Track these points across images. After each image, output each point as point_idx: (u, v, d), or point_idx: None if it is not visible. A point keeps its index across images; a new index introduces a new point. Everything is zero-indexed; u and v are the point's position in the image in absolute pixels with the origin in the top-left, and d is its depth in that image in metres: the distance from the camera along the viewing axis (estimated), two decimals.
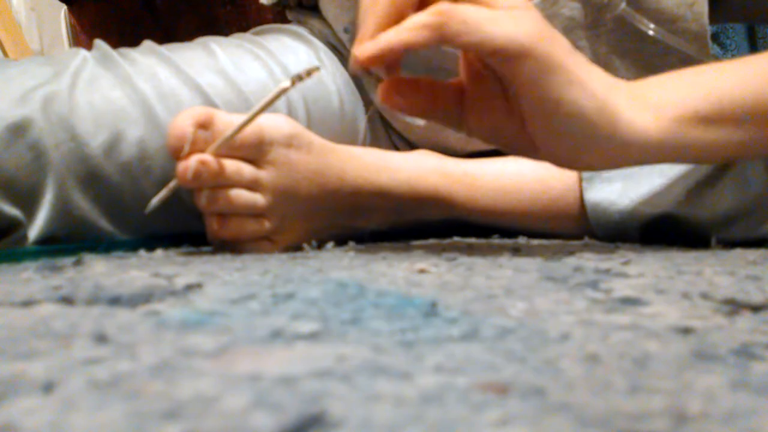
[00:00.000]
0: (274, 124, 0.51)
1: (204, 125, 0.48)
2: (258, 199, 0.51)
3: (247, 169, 0.50)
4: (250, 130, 0.49)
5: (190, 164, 0.47)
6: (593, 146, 0.43)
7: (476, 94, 0.45)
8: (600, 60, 0.60)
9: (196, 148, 0.48)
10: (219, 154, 0.48)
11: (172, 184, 0.49)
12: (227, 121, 0.49)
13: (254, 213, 0.51)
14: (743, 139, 0.46)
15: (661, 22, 0.58)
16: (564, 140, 0.43)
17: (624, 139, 0.43)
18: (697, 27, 0.57)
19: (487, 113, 0.45)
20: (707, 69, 0.47)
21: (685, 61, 0.58)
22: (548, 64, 0.41)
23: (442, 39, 0.40)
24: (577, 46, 0.60)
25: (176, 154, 0.48)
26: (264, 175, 0.51)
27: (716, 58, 0.58)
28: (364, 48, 0.41)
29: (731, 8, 0.61)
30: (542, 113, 0.42)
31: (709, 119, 0.45)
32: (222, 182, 0.49)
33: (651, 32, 0.57)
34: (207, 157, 0.48)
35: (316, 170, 0.53)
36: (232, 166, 0.49)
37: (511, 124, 0.44)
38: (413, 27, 0.40)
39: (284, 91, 0.47)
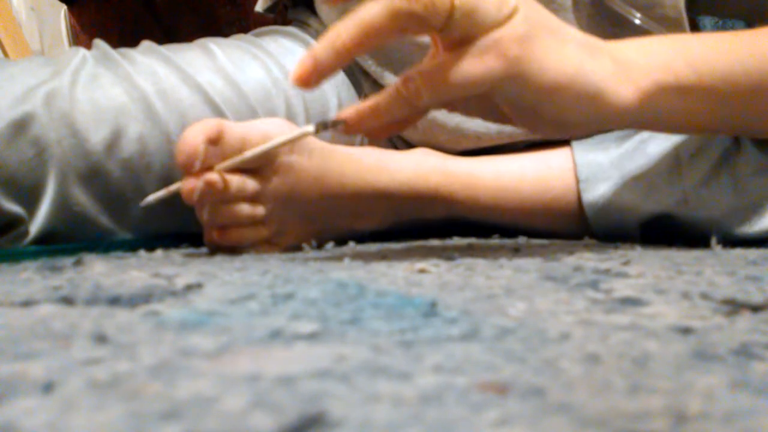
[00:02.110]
0: (280, 131, 0.51)
1: (214, 141, 0.48)
2: (258, 209, 0.51)
3: (250, 184, 0.50)
4: (258, 139, 0.49)
5: (197, 186, 0.47)
6: (578, 125, 0.45)
7: None
8: None
9: (206, 163, 0.47)
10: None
11: (173, 188, 0.48)
12: (237, 136, 0.49)
13: (254, 222, 0.51)
14: (716, 110, 0.48)
15: (639, 7, 0.58)
16: (549, 126, 0.45)
17: (606, 114, 0.44)
18: (674, 13, 0.57)
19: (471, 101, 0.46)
20: (686, 36, 0.49)
21: None
22: (521, 86, 0.41)
23: (416, 110, 0.41)
24: None
25: (187, 170, 0.47)
26: (267, 186, 0.51)
27: None
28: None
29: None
30: (525, 118, 0.44)
31: (689, 87, 0.46)
32: (225, 198, 0.49)
33: (637, 21, 0.57)
34: (214, 177, 0.47)
35: (316, 175, 0.53)
36: (236, 182, 0.49)
37: (494, 109, 0.45)
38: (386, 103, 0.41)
39: (306, 134, 0.46)
